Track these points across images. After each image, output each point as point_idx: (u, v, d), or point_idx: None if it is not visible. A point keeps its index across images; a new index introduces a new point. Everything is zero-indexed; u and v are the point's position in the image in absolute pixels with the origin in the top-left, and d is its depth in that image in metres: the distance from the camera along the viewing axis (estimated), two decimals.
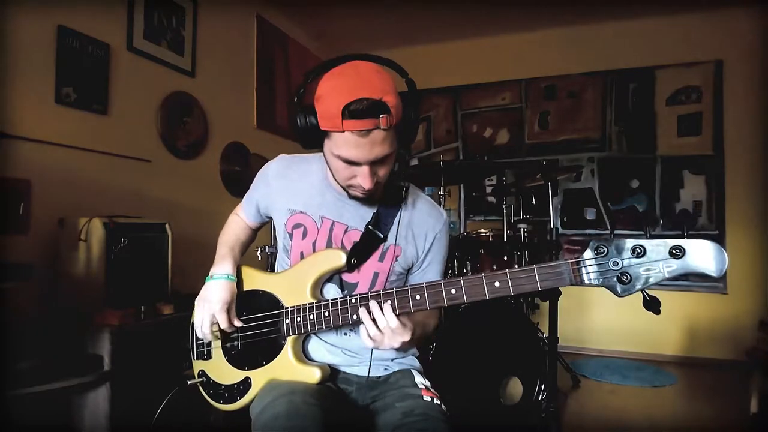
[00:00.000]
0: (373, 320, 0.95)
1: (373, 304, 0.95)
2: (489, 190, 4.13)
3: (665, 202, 3.67)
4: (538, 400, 2.07)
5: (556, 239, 2.53)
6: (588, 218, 3.85)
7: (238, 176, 3.11)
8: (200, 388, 1.19)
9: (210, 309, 1.09)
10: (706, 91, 3.58)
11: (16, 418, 1.53)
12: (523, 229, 2.81)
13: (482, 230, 2.69)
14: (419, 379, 1.11)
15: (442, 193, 2.55)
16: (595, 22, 3.77)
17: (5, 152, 1.84)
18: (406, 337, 0.96)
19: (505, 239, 2.77)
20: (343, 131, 0.89)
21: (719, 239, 3.49)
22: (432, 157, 4.29)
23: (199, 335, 1.12)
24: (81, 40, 2.12)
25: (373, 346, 0.97)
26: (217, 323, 1.10)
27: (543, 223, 3.35)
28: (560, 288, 2.29)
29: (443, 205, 2.57)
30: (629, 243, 0.77)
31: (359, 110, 0.87)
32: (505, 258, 2.60)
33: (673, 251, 0.74)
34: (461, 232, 3.93)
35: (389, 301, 0.94)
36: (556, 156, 3.92)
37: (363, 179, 0.96)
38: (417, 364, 1.19)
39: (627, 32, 3.74)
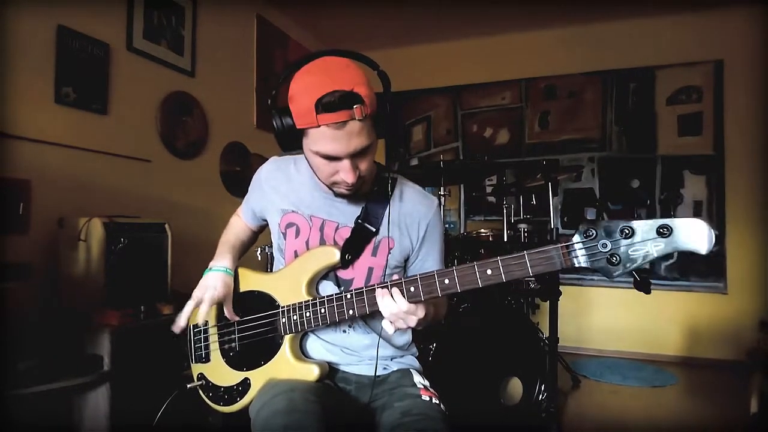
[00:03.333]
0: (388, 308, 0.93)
1: (384, 291, 0.93)
2: (489, 190, 4.13)
3: (665, 202, 3.66)
4: (538, 400, 2.07)
5: (556, 239, 2.53)
6: (588, 218, 3.85)
7: (238, 176, 3.11)
8: (200, 392, 1.19)
9: (201, 294, 1.10)
10: (707, 91, 3.58)
11: (16, 418, 1.53)
12: (524, 229, 2.81)
13: (482, 230, 2.69)
14: (418, 379, 1.11)
15: (442, 193, 2.55)
16: (595, 22, 3.77)
17: (5, 152, 1.84)
18: (421, 314, 0.93)
19: (505, 239, 2.77)
20: (319, 126, 0.89)
21: (720, 239, 3.48)
22: (432, 157, 4.29)
23: (185, 311, 1.11)
24: (81, 40, 2.12)
25: (393, 329, 0.95)
26: (216, 318, 1.11)
27: (543, 223, 3.35)
28: (560, 288, 2.30)
29: (443, 205, 2.57)
30: (617, 224, 0.78)
31: (332, 102, 0.87)
32: None
33: (661, 230, 0.75)
34: (461, 232, 3.94)
35: (396, 288, 0.93)
36: (556, 156, 3.92)
37: (345, 174, 0.95)
38: (416, 363, 1.19)
39: (627, 32, 3.74)
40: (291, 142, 0.97)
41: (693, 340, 3.54)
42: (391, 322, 0.94)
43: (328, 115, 0.88)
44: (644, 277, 0.82)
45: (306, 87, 0.91)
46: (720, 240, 3.48)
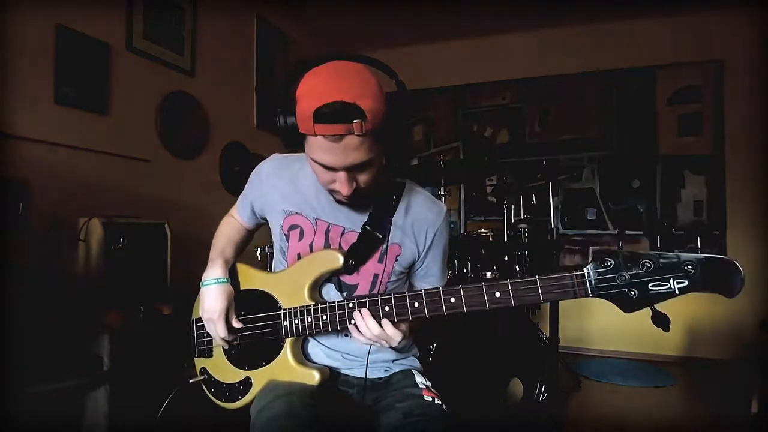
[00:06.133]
0: (359, 331, 0.97)
1: (356, 315, 0.96)
2: (489, 190, 4.12)
3: (666, 202, 3.66)
4: (539, 400, 2.07)
5: (556, 239, 2.53)
6: (589, 218, 3.85)
7: (237, 176, 3.11)
8: (203, 386, 1.19)
9: (212, 322, 1.09)
10: (707, 91, 3.58)
11: (16, 418, 1.53)
12: (524, 229, 2.81)
13: (482, 230, 2.69)
14: (420, 380, 1.10)
15: (442, 192, 2.54)
16: (595, 22, 3.77)
17: (5, 152, 1.83)
18: (398, 338, 0.96)
19: (505, 239, 2.77)
20: (316, 135, 0.86)
21: (720, 239, 3.49)
22: (432, 157, 4.28)
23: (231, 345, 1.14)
24: (80, 40, 2.12)
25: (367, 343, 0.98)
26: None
27: (543, 223, 3.35)
28: None
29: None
30: (638, 256, 0.72)
31: (329, 114, 0.82)
32: (506, 258, 2.60)
33: (686, 267, 0.69)
34: (461, 232, 3.93)
35: (366, 310, 0.96)
36: (556, 156, 3.92)
37: (341, 185, 0.91)
38: (418, 364, 1.19)
39: (627, 32, 3.73)
40: (294, 142, 0.94)
41: (693, 340, 3.54)
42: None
43: (325, 126, 0.84)
44: (663, 314, 0.77)
45: (309, 91, 0.87)
46: (720, 240, 3.48)
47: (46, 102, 2.00)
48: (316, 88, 0.86)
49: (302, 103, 0.87)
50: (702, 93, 3.59)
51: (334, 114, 0.82)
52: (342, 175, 0.90)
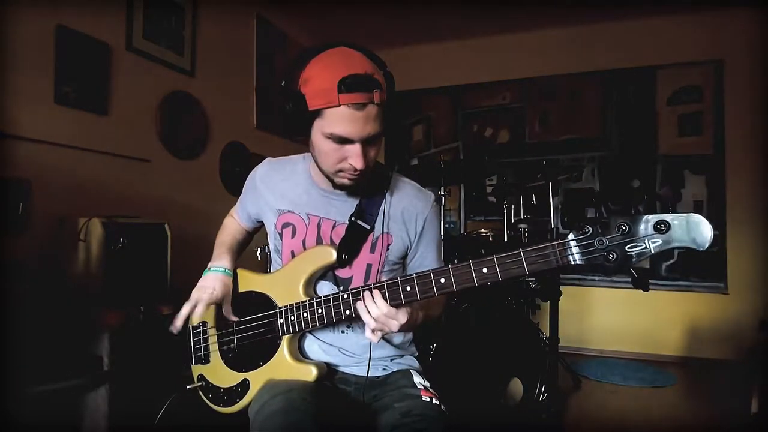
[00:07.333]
0: (368, 311, 0.93)
1: (365, 294, 0.94)
2: (489, 190, 4.12)
3: (666, 202, 3.66)
4: (539, 400, 2.07)
5: (556, 239, 2.53)
6: (589, 218, 3.84)
7: (237, 176, 3.11)
8: (200, 393, 1.19)
9: (199, 295, 1.10)
10: (707, 91, 3.58)
11: (16, 418, 1.53)
12: (524, 229, 2.81)
13: (483, 230, 2.69)
14: (418, 380, 1.10)
15: (442, 193, 2.54)
16: (595, 22, 3.77)
17: (5, 152, 1.83)
18: (403, 319, 0.93)
19: (505, 239, 2.77)
20: (339, 105, 0.89)
21: (720, 240, 3.48)
22: (432, 157, 4.28)
23: (182, 313, 1.10)
24: (80, 40, 2.12)
25: (374, 336, 0.95)
26: (215, 319, 1.11)
27: (543, 223, 3.35)
28: (561, 288, 2.30)
29: (443, 205, 2.57)
30: (613, 221, 0.76)
31: (355, 83, 0.89)
32: None
33: (658, 226, 0.73)
34: (461, 232, 3.94)
35: (378, 290, 0.93)
36: (556, 156, 3.91)
37: (355, 159, 0.95)
38: (416, 364, 1.19)
39: (627, 32, 3.73)
40: (299, 126, 0.96)
41: (693, 340, 3.54)
42: (372, 330, 0.93)
43: (350, 95, 0.89)
44: (642, 275, 0.81)
45: (327, 67, 0.92)
46: (720, 240, 3.48)
47: (46, 102, 2.00)
48: (334, 64, 0.92)
49: (318, 80, 0.91)
50: (702, 93, 3.59)
51: (359, 83, 0.89)
52: (357, 147, 0.94)
